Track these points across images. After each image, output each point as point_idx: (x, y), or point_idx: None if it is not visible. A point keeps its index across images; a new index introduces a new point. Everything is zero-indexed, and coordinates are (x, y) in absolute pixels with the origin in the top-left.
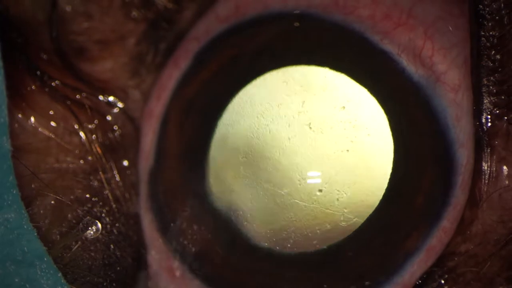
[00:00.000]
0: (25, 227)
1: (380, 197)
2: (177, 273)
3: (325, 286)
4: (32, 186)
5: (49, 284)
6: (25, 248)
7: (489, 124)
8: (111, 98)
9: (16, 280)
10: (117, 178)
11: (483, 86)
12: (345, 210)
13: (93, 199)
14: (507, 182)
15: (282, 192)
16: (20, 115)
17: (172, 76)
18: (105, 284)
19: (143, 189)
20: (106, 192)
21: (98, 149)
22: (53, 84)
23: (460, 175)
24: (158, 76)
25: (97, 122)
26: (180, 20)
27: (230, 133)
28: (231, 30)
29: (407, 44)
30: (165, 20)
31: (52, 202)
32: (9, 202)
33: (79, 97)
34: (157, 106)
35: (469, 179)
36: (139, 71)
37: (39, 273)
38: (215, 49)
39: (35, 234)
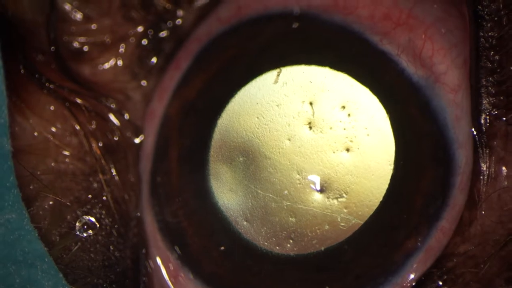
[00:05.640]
0: (26, 227)
1: (380, 197)
2: (178, 273)
3: (325, 287)
4: (32, 187)
5: (50, 284)
6: (26, 249)
7: (488, 124)
8: (110, 100)
9: (17, 280)
10: (117, 179)
11: (482, 87)
12: (345, 211)
13: (92, 200)
14: (506, 183)
15: (282, 193)
16: (19, 117)
17: (173, 78)
18: (105, 285)
19: (145, 190)
20: (106, 193)
21: (98, 151)
22: (51, 86)
23: (459, 175)
24: (160, 78)
25: (96, 124)
26: (182, 23)
27: (230, 133)
28: (231, 31)
29: (406, 44)
30: (166, 23)
31: (51, 202)
32: (10, 203)
33: (77, 99)
34: (159, 108)
35: (468, 180)
36: (140, 74)
37: (40, 273)
38: (215, 49)
39: (36, 234)
